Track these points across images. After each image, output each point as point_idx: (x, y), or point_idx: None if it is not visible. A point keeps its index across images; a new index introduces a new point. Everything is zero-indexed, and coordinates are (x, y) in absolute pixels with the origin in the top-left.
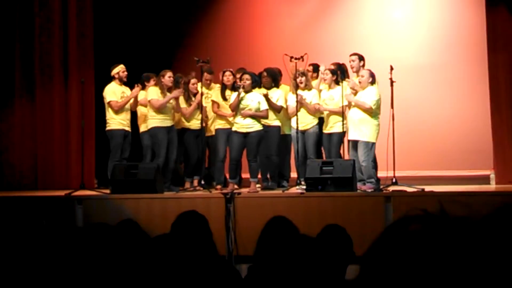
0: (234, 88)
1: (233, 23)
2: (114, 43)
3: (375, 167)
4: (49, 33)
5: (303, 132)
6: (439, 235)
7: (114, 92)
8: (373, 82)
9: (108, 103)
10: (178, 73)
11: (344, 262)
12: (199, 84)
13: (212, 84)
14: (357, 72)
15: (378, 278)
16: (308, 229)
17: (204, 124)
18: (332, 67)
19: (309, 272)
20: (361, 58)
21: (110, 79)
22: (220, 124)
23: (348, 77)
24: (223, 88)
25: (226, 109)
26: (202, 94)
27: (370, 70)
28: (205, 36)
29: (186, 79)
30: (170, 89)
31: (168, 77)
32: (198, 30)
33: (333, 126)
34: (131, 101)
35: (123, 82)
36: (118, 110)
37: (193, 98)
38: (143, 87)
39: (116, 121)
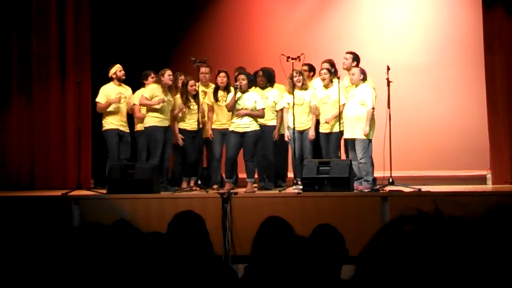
0: (226, 89)
1: (230, 23)
2: (111, 43)
3: (371, 166)
4: (46, 33)
5: (301, 132)
6: (434, 235)
7: (105, 93)
8: (364, 79)
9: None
10: (176, 72)
11: (338, 261)
12: (198, 84)
13: (210, 83)
14: (347, 70)
15: (373, 278)
16: (304, 229)
17: (201, 125)
18: (327, 65)
19: (304, 272)
20: (355, 58)
21: (107, 79)
22: (215, 124)
23: (337, 72)
24: (217, 89)
25: (218, 109)
26: (198, 93)
27: (360, 67)
28: (202, 36)
29: (185, 80)
30: (170, 88)
31: (167, 76)
32: (195, 30)
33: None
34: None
35: (122, 81)
36: (100, 112)
37: (191, 100)
38: (143, 86)
39: (110, 122)
